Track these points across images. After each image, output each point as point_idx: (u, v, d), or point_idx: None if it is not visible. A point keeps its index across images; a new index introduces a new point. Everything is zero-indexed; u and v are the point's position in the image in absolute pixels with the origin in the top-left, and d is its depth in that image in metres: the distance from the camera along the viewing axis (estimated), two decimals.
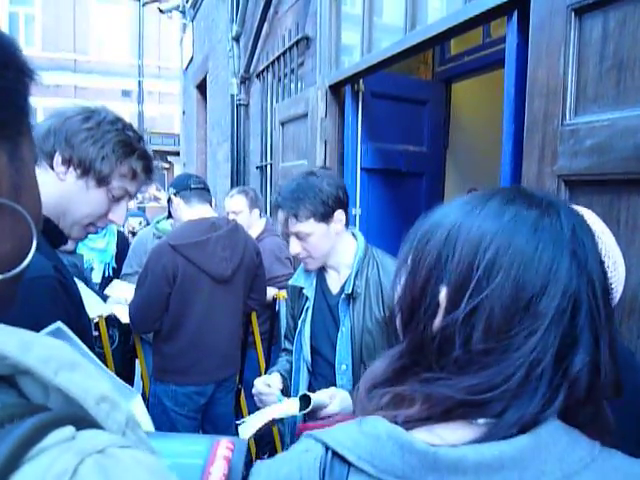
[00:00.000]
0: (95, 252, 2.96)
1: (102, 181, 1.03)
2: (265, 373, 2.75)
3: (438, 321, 0.52)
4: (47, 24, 14.57)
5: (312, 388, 1.48)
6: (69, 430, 0.31)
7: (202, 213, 2.11)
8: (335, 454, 0.51)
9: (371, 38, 2.41)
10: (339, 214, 1.43)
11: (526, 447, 0.47)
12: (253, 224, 2.90)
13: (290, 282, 1.62)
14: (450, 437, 0.50)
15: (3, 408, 0.31)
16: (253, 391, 1.51)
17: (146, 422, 0.90)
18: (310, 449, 0.53)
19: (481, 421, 0.49)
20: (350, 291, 1.41)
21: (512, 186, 0.50)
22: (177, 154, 10.65)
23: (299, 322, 1.55)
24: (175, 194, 2.15)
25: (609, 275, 0.84)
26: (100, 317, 2.17)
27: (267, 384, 1.48)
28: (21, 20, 14.27)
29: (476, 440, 0.48)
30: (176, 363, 2.10)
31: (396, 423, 0.51)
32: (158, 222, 3.10)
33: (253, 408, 2.79)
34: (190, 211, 2.12)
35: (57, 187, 1.00)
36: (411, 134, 2.86)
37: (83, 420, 0.33)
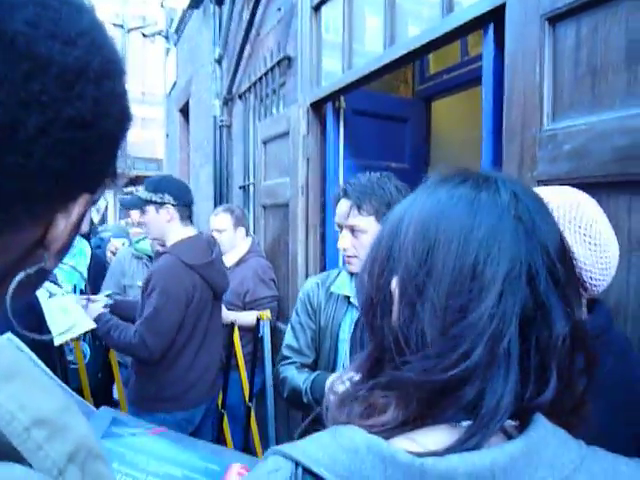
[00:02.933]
0: (63, 271, 2.88)
1: None
2: (250, 395, 2.69)
3: (395, 311, 0.52)
4: None
5: None
6: None
7: (191, 233, 2.04)
8: (307, 471, 0.46)
9: (351, 55, 2.43)
10: None
11: (517, 453, 0.44)
12: (238, 243, 2.87)
13: (333, 289, 1.48)
14: (432, 443, 0.46)
15: None
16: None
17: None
18: (280, 468, 0.47)
19: (464, 424, 0.46)
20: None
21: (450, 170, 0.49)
22: None
23: (340, 334, 1.43)
24: (173, 205, 1.95)
25: (593, 256, 0.82)
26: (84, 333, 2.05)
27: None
28: None
29: (459, 442, 0.45)
30: (172, 389, 1.97)
31: (373, 433, 0.47)
32: (137, 242, 3.05)
33: (237, 433, 2.74)
34: (182, 230, 2.00)
35: None
36: (393, 151, 2.88)
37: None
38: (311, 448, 0.47)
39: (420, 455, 0.44)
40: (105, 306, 2.07)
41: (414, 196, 0.55)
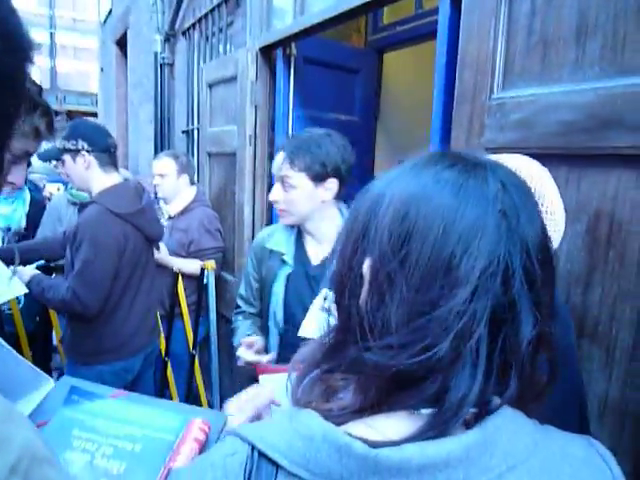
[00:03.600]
0: (1, 217, 2.72)
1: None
2: (193, 344, 2.71)
3: (363, 293, 0.50)
4: None
5: (281, 356, 1.46)
6: None
7: (116, 180, 1.94)
8: (263, 455, 0.47)
9: (304, 1, 2.33)
10: (331, 183, 1.40)
11: (473, 444, 0.44)
12: (181, 190, 2.79)
13: (267, 245, 1.52)
14: (391, 431, 0.46)
15: None
16: (241, 362, 1.44)
17: None
18: (236, 451, 0.48)
19: (424, 411, 0.46)
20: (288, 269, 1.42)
21: (440, 150, 0.47)
22: (95, 115, 9.97)
23: (273, 287, 1.49)
24: (89, 152, 1.84)
25: (549, 225, 0.86)
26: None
27: (254, 351, 1.43)
28: None
29: (419, 432, 0.45)
30: (111, 342, 1.94)
31: (331, 417, 0.48)
32: (72, 187, 2.90)
33: (180, 381, 2.77)
34: (104, 177, 1.89)
35: None
36: (343, 103, 2.84)
37: None
38: (268, 432, 0.48)
39: (376, 445, 0.44)
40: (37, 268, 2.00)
41: (398, 173, 0.52)
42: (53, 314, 2.55)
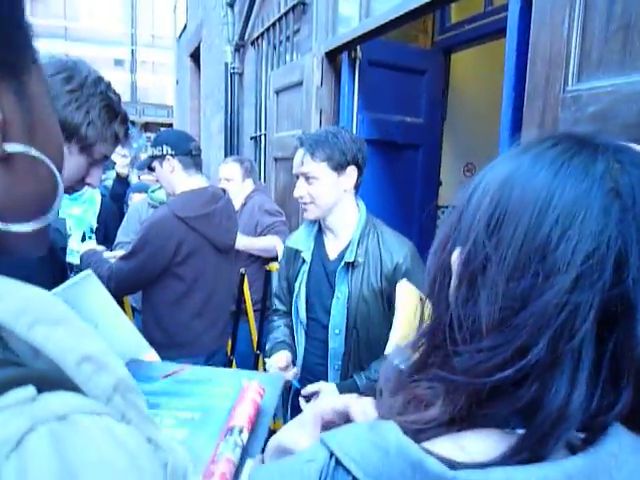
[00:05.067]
0: (72, 219, 2.89)
1: (85, 149, 0.99)
2: (258, 343, 2.77)
3: (452, 286, 0.45)
4: None
5: (307, 350, 1.54)
6: (29, 391, 0.27)
7: (199, 183, 2.04)
8: (339, 463, 0.43)
9: (369, 3, 2.33)
10: (352, 170, 1.45)
11: (577, 473, 0.36)
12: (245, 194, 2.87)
13: (287, 244, 1.62)
14: (477, 450, 0.41)
15: None
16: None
17: None
18: (316, 458, 0.45)
19: (520, 431, 0.40)
20: (352, 259, 1.42)
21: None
22: (170, 126, 10.50)
23: (295, 285, 1.56)
24: (173, 155, 1.94)
25: None
26: None
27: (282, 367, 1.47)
28: None
29: (510, 454, 0.38)
30: (180, 337, 2.03)
31: (414, 431, 0.43)
32: (153, 191, 3.06)
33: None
34: (188, 180, 1.99)
35: None
36: (408, 105, 2.80)
37: (55, 381, 0.29)
38: (347, 440, 0.44)
39: (456, 466, 0.39)
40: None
41: (498, 160, 0.48)
42: (129, 312, 2.69)
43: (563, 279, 0.38)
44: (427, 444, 0.42)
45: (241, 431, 0.71)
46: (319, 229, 1.57)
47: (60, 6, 14.52)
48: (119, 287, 1.94)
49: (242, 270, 2.76)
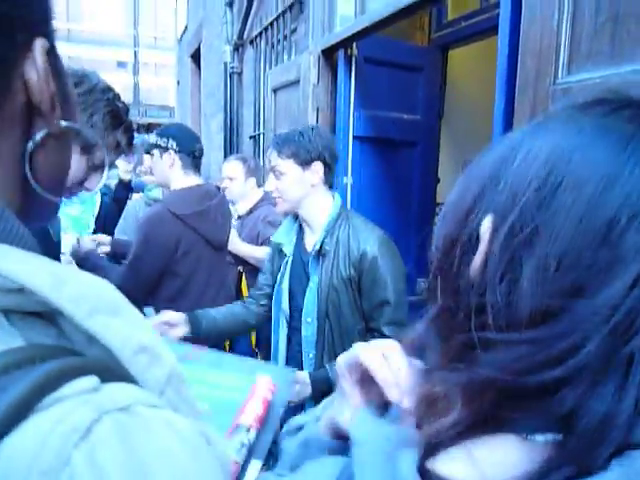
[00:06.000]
0: (70, 219, 2.89)
1: (86, 149, 1.01)
2: (256, 342, 2.77)
3: (477, 260, 0.39)
4: None
5: (290, 341, 1.61)
6: (92, 380, 0.27)
7: (195, 182, 2.05)
8: None
9: (365, 1, 2.33)
10: (317, 165, 1.52)
11: None
12: (248, 193, 2.87)
13: (271, 239, 1.69)
14: (494, 466, 0.35)
15: (24, 349, 0.27)
16: None
17: None
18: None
19: (539, 438, 0.35)
20: (318, 248, 1.49)
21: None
22: None
23: (278, 277, 1.63)
24: (176, 151, 1.94)
25: None
26: None
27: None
28: None
29: (544, 470, 0.33)
30: None
31: (436, 442, 0.38)
32: (150, 190, 3.07)
33: None
34: (184, 178, 1.99)
35: None
36: (405, 102, 2.80)
37: (114, 371, 0.29)
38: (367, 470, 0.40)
39: None
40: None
41: (535, 124, 0.42)
42: None
43: (627, 272, 0.33)
44: (439, 463, 0.37)
45: (248, 430, 0.71)
46: (300, 224, 1.63)
47: (62, 8, 14.59)
48: (131, 292, 1.91)
49: (240, 268, 2.76)
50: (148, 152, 2.06)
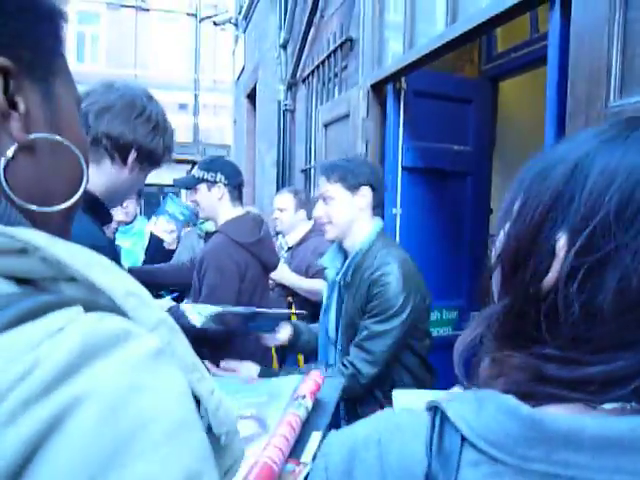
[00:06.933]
0: (122, 251, 2.96)
1: (118, 159, 1.12)
2: (279, 365, 2.75)
3: (551, 277, 0.41)
4: (111, 42, 15.42)
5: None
6: (78, 309, 0.30)
7: (240, 212, 2.11)
8: (448, 421, 0.41)
9: (413, 34, 2.38)
10: (365, 190, 1.55)
11: None
12: (298, 225, 2.92)
13: (319, 261, 1.78)
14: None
15: (17, 292, 0.31)
16: None
17: None
18: (421, 419, 0.43)
19: (607, 406, 0.38)
20: (338, 278, 1.57)
21: None
22: None
23: (324, 302, 1.69)
24: (225, 184, 2.00)
25: None
26: None
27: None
28: (87, 38, 15.18)
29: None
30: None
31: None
32: (202, 223, 3.19)
33: None
34: (232, 210, 2.05)
35: (118, 174, 1.12)
36: (455, 133, 2.80)
37: (107, 307, 0.32)
38: (456, 403, 0.43)
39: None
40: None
41: (606, 136, 0.43)
42: None
43: None
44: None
45: (304, 397, 0.76)
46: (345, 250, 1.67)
47: (131, 56, 15.71)
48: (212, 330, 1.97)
49: (290, 299, 2.79)
50: (189, 187, 2.13)
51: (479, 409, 0.40)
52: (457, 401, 0.43)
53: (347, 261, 1.56)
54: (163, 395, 0.29)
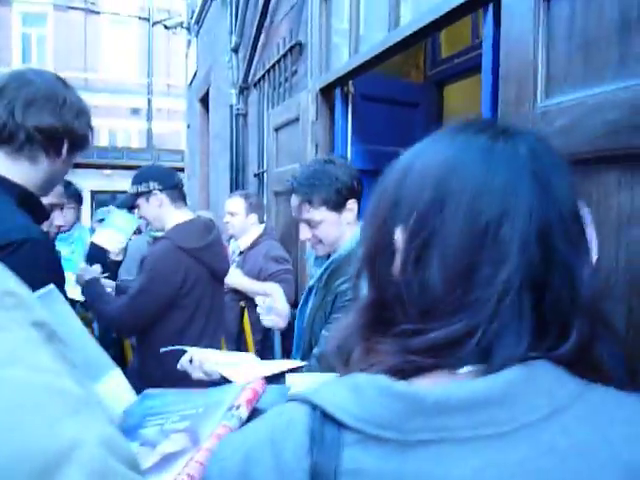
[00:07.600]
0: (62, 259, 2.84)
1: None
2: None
3: (396, 265, 0.50)
4: (59, 44, 14.93)
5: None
6: None
7: (188, 215, 2.08)
8: (325, 415, 0.45)
9: (358, 39, 2.42)
10: (351, 203, 1.46)
11: (516, 380, 0.42)
12: (249, 229, 2.90)
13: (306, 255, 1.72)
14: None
15: None
16: None
17: (127, 397, 0.92)
18: (294, 417, 0.47)
19: (463, 370, 0.45)
20: (311, 284, 1.52)
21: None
22: (183, 170, 10.74)
23: (300, 303, 1.62)
24: (161, 190, 1.96)
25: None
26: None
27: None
28: (33, 40, 14.65)
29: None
30: (179, 371, 2.02)
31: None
32: (151, 229, 3.12)
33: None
34: (177, 213, 2.02)
35: (52, 166, 1.10)
36: (402, 136, 2.84)
37: None
38: (326, 393, 0.47)
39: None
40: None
41: (425, 143, 0.54)
42: (127, 346, 2.69)
43: (511, 254, 0.44)
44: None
45: (238, 407, 0.73)
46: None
47: (80, 59, 15.26)
48: (126, 326, 1.96)
49: (242, 303, 2.76)
50: (133, 207, 2.08)
51: (358, 396, 0.44)
52: (329, 391, 0.47)
53: (324, 265, 1.49)
54: None
